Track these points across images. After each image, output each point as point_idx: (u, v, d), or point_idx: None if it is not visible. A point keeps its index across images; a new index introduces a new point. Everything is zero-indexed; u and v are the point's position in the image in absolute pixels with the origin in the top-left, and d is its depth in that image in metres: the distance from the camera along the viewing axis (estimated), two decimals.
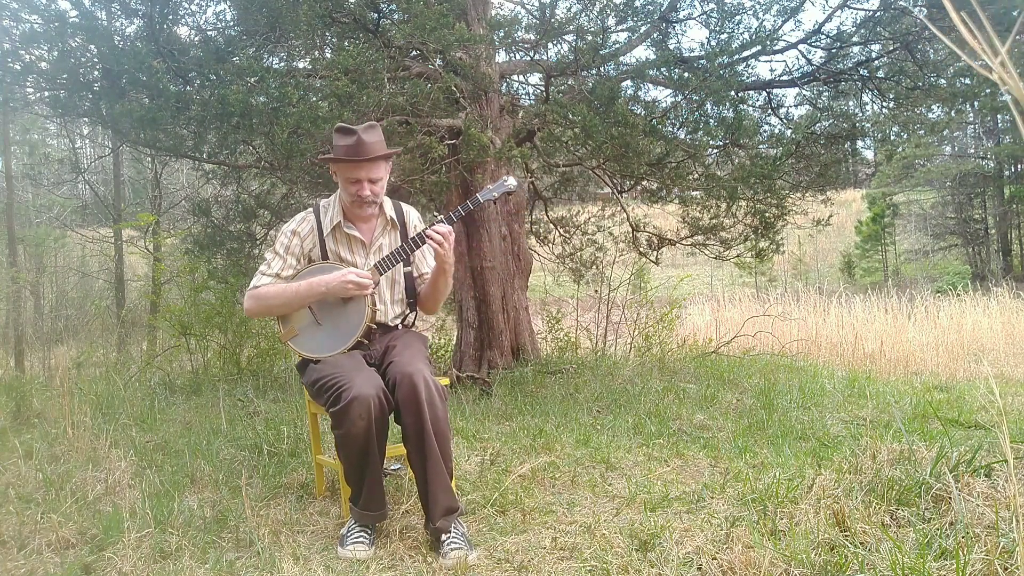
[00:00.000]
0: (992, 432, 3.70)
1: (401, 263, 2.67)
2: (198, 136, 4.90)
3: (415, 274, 2.78)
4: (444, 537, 2.35)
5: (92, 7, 5.01)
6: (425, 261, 2.80)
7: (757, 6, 5.63)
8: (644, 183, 6.65)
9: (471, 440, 3.76)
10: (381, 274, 2.64)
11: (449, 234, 2.56)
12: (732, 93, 5.24)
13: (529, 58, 5.93)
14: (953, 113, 6.30)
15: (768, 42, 5.50)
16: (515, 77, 6.63)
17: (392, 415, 2.47)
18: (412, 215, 2.84)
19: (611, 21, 5.53)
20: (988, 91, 5.81)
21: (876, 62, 5.95)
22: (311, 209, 2.77)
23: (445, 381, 2.77)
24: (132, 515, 2.58)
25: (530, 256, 6.45)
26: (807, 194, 6.62)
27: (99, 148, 15.47)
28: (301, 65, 5.35)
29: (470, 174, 5.21)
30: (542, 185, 7.70)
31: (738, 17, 5.62)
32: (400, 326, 2.77)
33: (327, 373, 2.45)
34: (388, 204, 2.77)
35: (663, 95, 6.04)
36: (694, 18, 6.05)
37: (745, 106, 5.93)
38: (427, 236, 2.56)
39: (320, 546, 2.46)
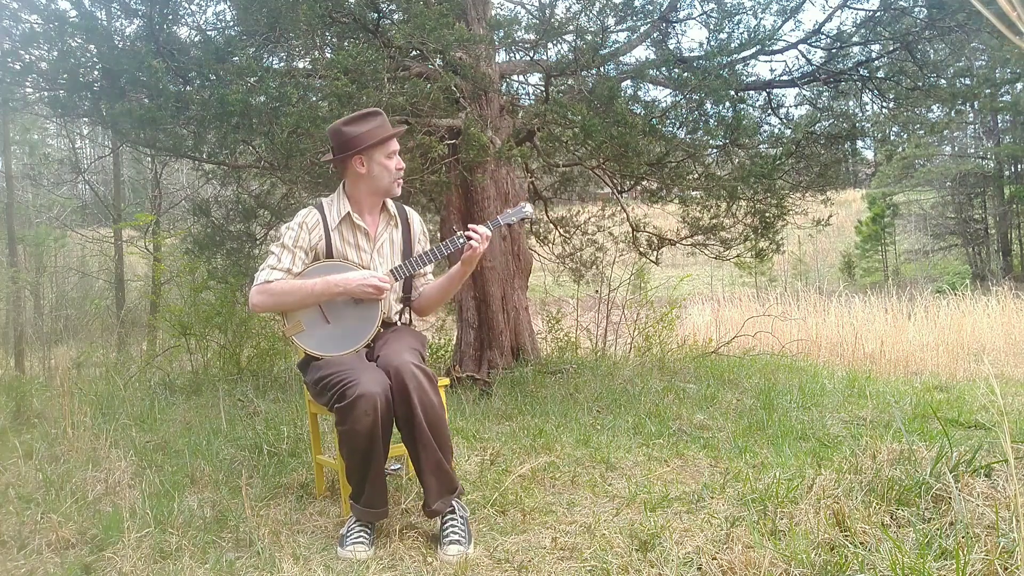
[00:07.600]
0: (992, 431, 3.70)
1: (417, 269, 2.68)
2: (198, 136, 4.90)
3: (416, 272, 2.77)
4: (444, 521, 2.35)
5: (92, 7, 5.01)
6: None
7: (757, 6, 5.63)
8: (644, 183, 6.64)
9: (471, 440, 3.76)
10: (397, 280, 2.64)
11: (486, 238, 2.59)
12: (732, 93, 5.24)
13: (529, 58, 5.92)
14: (953, 113, 6.30)
15: (767, 42, 5.50)
16: (515, 77, 6.62)
17: None
18: (414, 215, 2.85)
19: (611, 21, 5.53)
20: (988, 91, 5.81)
21: (876, 62, 5.95)
22: (312, 205, 2.77)
23: (445, 381, 2.77)
24: (132, 515, 2.58)
25: (530, 256, 6.45)
26: (807, 194, 6.62)
27: (99, 148, 15.47)
28: (301, 65, 5.34)
29: (470, 174, 5.21)
30: (542, 185, 7.69)
31: (738, 17, 5.61)
32: (399, 323, 2.77)
33: (332, 371, 2.45)
34: (390, 202, 2.78)
35: (663, 95, 6.05)
36: (694, 18, 6.05)
37: (745, 106, 5.93)
38: (471, 233, 2.57)
39: (320, 546, 2.47)
